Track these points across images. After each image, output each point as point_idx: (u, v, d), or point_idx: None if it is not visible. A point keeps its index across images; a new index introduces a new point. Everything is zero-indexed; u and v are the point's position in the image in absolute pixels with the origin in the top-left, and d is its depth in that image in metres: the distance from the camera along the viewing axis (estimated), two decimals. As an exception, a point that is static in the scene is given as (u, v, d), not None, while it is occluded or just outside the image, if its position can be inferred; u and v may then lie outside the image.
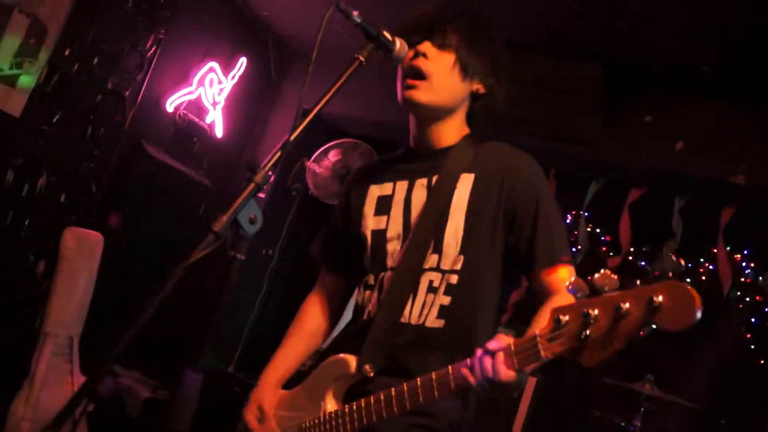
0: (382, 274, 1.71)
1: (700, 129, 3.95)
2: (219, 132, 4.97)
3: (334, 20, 1.40)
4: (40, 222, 3.84)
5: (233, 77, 4.95)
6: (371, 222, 1.76)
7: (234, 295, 4.93)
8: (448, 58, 1.69)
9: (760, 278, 4.28)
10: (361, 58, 1.47)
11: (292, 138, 1.35)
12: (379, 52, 1.54)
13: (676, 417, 4.03)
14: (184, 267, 1.22)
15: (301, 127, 1.38)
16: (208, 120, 4.86)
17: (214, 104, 4.87)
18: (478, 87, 1.75)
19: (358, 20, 1.46)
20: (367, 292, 1.74)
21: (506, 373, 1.29)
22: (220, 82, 4.86)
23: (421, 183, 1.72)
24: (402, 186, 1.75)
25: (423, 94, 1.66)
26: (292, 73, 5.33)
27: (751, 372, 4.30)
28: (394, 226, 1.72)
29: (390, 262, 1.70)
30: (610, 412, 3.96)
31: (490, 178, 1.67)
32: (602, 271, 1.26)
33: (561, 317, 1.25)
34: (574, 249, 4.68)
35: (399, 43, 1.56)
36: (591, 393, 4.16)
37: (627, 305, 1.17)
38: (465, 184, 1.68)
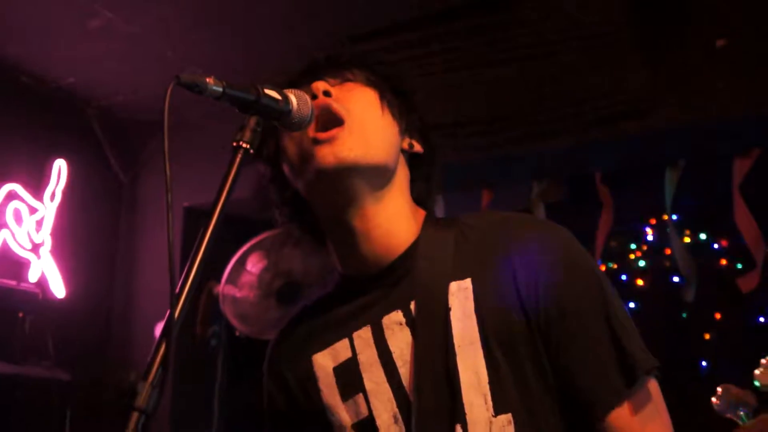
0: None
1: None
2: (58, 289, 3.86)
3: (181, 95, 1.03)
4: None
5: (52, 195, 3.90)
6: (345, 413, 1.34)
7: None
8: (364, 92, 1.35)
9: None
10: (245, 146, 1.08)
11: (177, 311, 0.94)
12: (271, 122, 1.17)
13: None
14: None
15: (185, 294, 0.93)
16: (32, 277, 3.76)
17: (36, 247, 3.79)
18: (411, 142, 1.41)
19: (219, 90, 1.07)
20: None
21: None
22: (34, 211, 3.82)
23: (395, 321, 1.32)
24: (363, 337, 1.34)
25: (345, 146, 1.24)
26: (143, 158, 4.27)
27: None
28: (381, 404, 1.31)
29: None
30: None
31: (498, 280, 1.30)
32: (762, 361, 1.27)
33: None
34: (675, 277, 3.91)
35: (296, 99, 1.18)
36: None
37: None
38: (461, 299, 1.30)
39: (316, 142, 1.29)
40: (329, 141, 1.27)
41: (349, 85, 1.37)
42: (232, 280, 3.63)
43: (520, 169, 3.70)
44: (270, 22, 3.45)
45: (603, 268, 4.31)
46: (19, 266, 3.75)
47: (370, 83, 1.38)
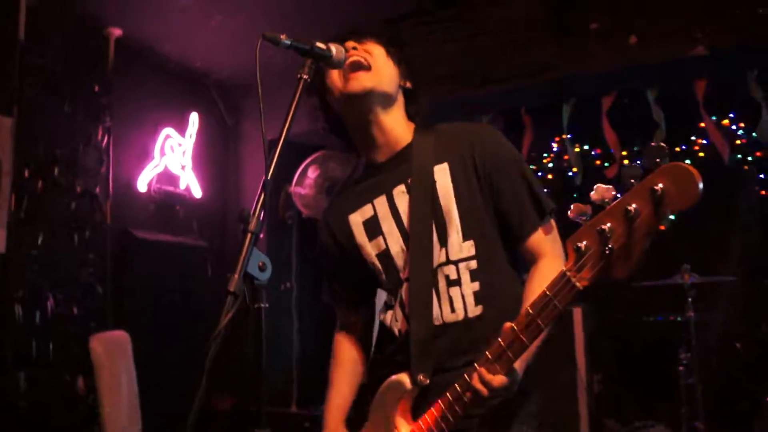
0: (400, 289, 1.72)
1: (645, 17, 3.95)
2: (197, 192, 4.99)
3: (267, 49, 1.42)
4: (64, 342, 3.85)
5: (191, 136, 4.97)
6: (371, 249, 1.76)
7: (271, 339, 4.93)
8: (379, 48, 1.72)
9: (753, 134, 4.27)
10: (305, 77, 1.47)
11: (269, 176, 1.36)
12: (320, 63, 1.54)
13: (724, 294, 4.04)
14: (215, 337, 1.25)
15: (274, 163, 1.38)
16: (182, 185, 4.88)
17: (183, 167, 4.89)
18: (405, 82, 1.78)
19: (288, 42, 1.45)
20: (390, 312, 1.75)
21: (498, 380, 1.42)
22: (180, 145, 4.89)
23: (400, 190, 1.73)
24: (381, 201, 1.75)
25: (368, 80, 1.67)
26: (244, 111, 5.35)
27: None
28: (394, 241, 1.72)
29: (403, 275, 1.72)
30: (661, 311, 4.01)
31: (464, 161, 1.70)
32: (595, 187, 1.28)
33: (579, 245, 1.26)
34: (570, 172, 4.75)
35: (335, 49, 1.57)
36: (637, 301, 4.18)
37: (634, 206, 1.18)
38: (442, 174, 1.70)
39: (349, 78, 1.67)
40: (357, 78, 1.67)
41: (367, 44, 1.71)
42: (299, 182, 4.81)
43: (477, 107, 4.56)
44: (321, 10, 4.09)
45: (526, 168, 5.28)
46: (174, 179, 4.78)
47: (380, 43, 1.73)
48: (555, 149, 4.99)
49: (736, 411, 3.81)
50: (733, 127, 4.44)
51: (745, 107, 4.23)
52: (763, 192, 4.36)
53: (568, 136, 4.57)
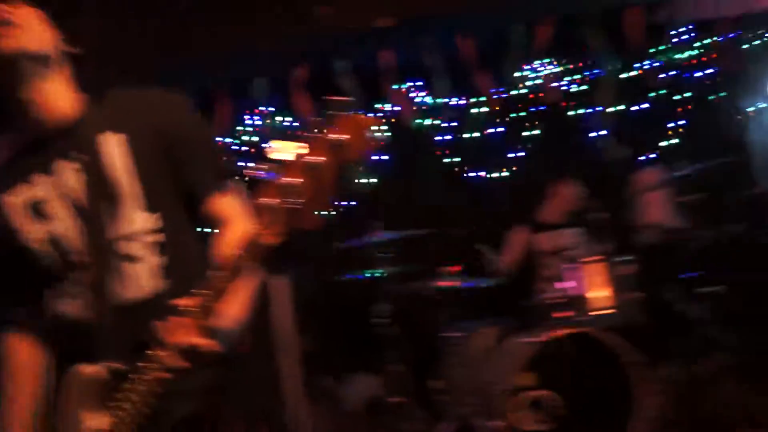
0: (74, 273, 1.58)
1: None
2: None
3: None
4: None
5: None
6: (34, 232, 1.59)
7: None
8: (26, 8, 1.52)
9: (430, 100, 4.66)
10: None
11: None
12: None
13: (416, 247, 4.37)
14: None
15: None
16: None
17: None
18: (69, 47, 1.61)
19: None
20: (67, 300, 1.60)
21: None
22: None
23: (65, 166, 1.58)
24: (43, 179, 1.59)
25: (16, 38, 1.48)
26: None
27: (461, 179, 4.78)
28: (60, 221, 1.58)
29: (76, 258, 1.58)
30: (362, 269, 4.21)
31: (142, 131, 1.60)
32: (275, 145, 1.32)
33: (265, 202, 1.29)
34: (267, 144, 4.78)
35: None
36: (339, 263, 4.39)
37: (314, 158, 1.24)
38: (116, 146, 1.58)
39: None
40: (3, 37, 1.48)
41: (13, 4, 1.51)
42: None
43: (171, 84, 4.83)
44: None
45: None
46: None
47: (30, 3, 1.53)
48: (254, 122, 4.99)
49: (430, 349, 4.12)
50: (413, 94, 4.80)
51: (425, 75, 4.59)
52: (438, 152, 4.80)
53: (266, 108, 4.67)
